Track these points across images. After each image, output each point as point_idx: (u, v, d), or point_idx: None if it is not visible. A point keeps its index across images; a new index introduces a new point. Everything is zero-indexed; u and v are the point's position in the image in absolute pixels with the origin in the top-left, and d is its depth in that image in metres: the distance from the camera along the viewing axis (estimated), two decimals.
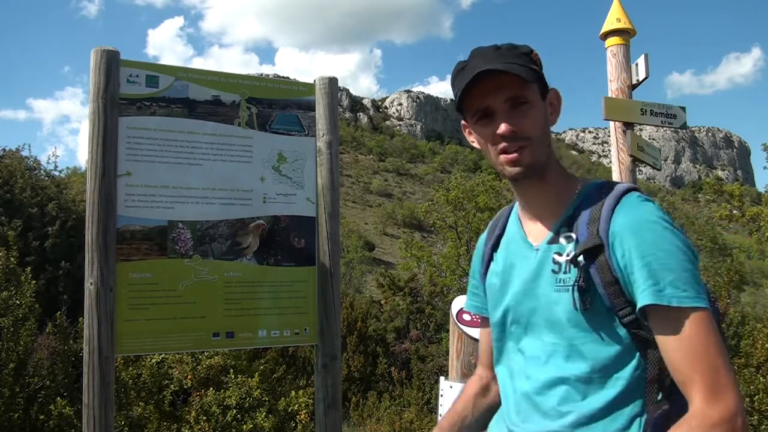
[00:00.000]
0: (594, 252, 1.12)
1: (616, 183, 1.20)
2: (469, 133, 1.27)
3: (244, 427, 4.16)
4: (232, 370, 4.63)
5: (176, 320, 2.27)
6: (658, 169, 4.36)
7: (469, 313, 2.58)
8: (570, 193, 1.23)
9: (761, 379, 3.78)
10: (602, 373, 1.12)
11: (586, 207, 1.17)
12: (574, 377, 1.14)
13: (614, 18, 3.93)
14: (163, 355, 4.44)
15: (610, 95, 3.93)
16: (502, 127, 1.15)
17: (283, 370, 5.68)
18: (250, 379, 4.57)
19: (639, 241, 1.08)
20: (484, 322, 1.44)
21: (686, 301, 1.03)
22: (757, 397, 3.73)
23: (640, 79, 3.88)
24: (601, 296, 1.11)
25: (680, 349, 1.03)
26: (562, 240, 1.18)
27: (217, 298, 2.33)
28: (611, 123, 3.92)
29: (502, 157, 1.18)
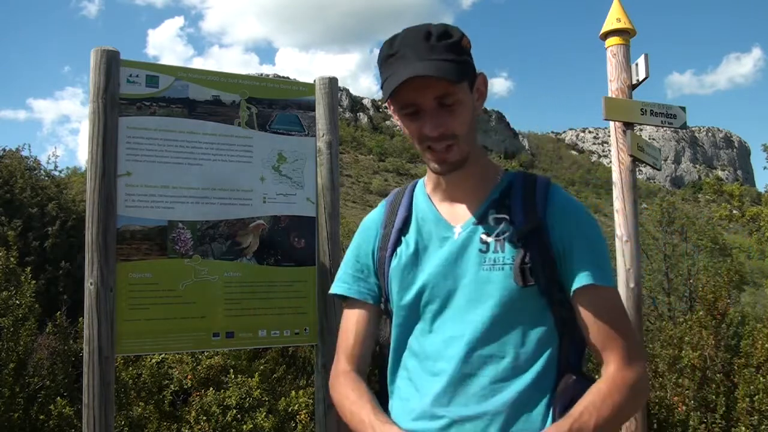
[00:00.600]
0: (533, 233, 1.17)
1: (534, 174, 1.28)
2: (395, 115, 1.23)
3: (244, 427, 4.16)
4: (232, 370, 4.62)
5: (176, 320, 2.27)
6: (658, 169, 4.36)
7: None
8: (492, 178, 1.27)
9: (761, 379, 3.78)
10: (529, 352, 1.16)
11: (516, 192, 1.23)
12: (503, 355, 1.15)
13: (614, 18, 3.93)
14: (163, 355, 4.44)
15: (610, 95, 3.92)
16: (429, 130, 1.14)
17: (283, 370, 5.67)
18: (250, 379, 4.56)
19: (578, 224, 1.20)
20: (356, 307, 1.32)
21: (609, 281, 1.18)
22: (757, 397, 3.72)
23: (640, 79, 3.87)
24: (537, 276, 1.16)
25: (605, 322, 1.15)
26: (490, 221, 1.21)
27: (217, 298, 2.33)
28: (611, 123, 3.91)
29: (429, 154, 1.18)
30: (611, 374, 1.14)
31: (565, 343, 1.19)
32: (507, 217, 1.20)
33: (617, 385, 1.12)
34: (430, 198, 1.30)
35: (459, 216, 1.24)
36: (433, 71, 1.08)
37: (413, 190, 1.34)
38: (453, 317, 1.19)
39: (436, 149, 1.16)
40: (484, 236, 1.20)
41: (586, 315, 1.16)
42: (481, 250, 1.19)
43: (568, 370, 1.18)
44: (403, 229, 1.29)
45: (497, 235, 1.19)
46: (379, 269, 1.32)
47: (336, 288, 1.36)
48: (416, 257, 1.25)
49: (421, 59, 1.09)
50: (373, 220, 1.38)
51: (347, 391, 1.25)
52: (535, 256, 1.16)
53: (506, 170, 1.30)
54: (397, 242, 1.29)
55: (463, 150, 1.17)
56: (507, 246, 1.17)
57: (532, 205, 1.20)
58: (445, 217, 1.26)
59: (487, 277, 1.17)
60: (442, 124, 1.14)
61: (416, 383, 1.22)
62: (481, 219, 1.22)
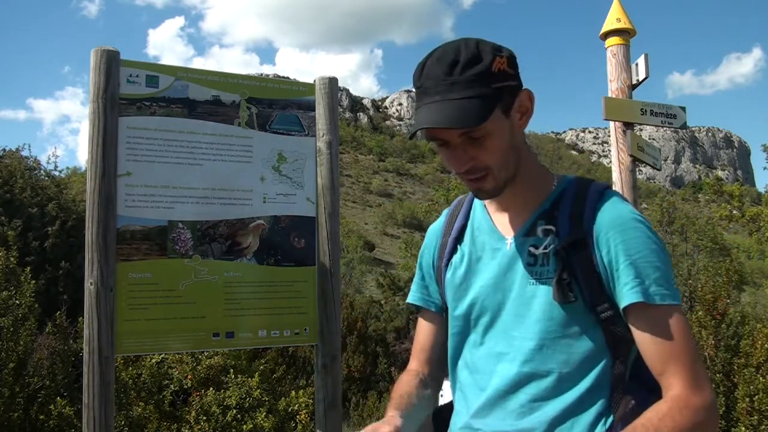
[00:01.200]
0: (577, 246, 1.11)
1: (591, 180, 1.21)
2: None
3: (244, 427, 4.16)
4: (232, 370, 4.63)
5: (176, 320, 2.27)
6: (658, 169, 4.36)
7: None
8: (546, 187, 1.21)
9: (761, 379, 3.78)
10: (574, 370, 1.11)
11: (566, 201, 1.16)
12: (545, 374, 1.12)
13: (614, 18, 3.93)
14: (163, 355, 4.44)
15: (610, 95, 3.93)
16: (457, 166, 1.12)
17: (283, 370, 5.68)
18: (250, 379, 4.57)
19: (625, 239, 1.09)
20: (425, 315, 1.37)
21: (668, 299, 1.07)
22: (757, 397, 3.73)
23: (640, 79, 3.88)
24: (581, 290, 1.10)
25: (663, 343, 1.06)
26: (539, 233, 1.16)
27: (217, 298, 2.33)
28: (611, 123, 3.92)
29: (466, 180, 1.15)
30: (674, 395, 1.04)
31: (620, 361, 1.12)
32: (554, 228, 1.15)
33: (679, 407, 1.02)
34: (486, 207, 1.27)
35: (511, 227, 1.21)
36: (446, 121, 1.04)
37: (473, 199, 1.32)
38: (500, 332, 1.18)
39: (470, 179, 1.14)
40: (532, 249, 1.16)
41: (639, 336, 1.08)
42: (529, 264, 1.16)
43: (631, 391, 1.11)
44: (459, 238, 1.29)
45: (545, 248, 1.15)
46: (437, 277, 1.33)
47: (409, 297, 1.41)
48: (470, 268, 1.24)
49: (442, 98, 1.05)
50: (434, 228, 1.38)
51: (397, 386, 1.32)
52: (577, 270, 1.10)
53: (564, 176, 1.23)
54: (453, 251, 1.29)
55: (499, 178, 1.13)
56: (552, 259, 1.13)
57: (579, 216, 1.13)
58: (498, 227, 1.23)
59: (533, 292, 1.14)
60: (470, 158, 1.10)
61: (466, 396, 1.24)
62: (530, 231, 1.18)
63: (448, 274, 1.28)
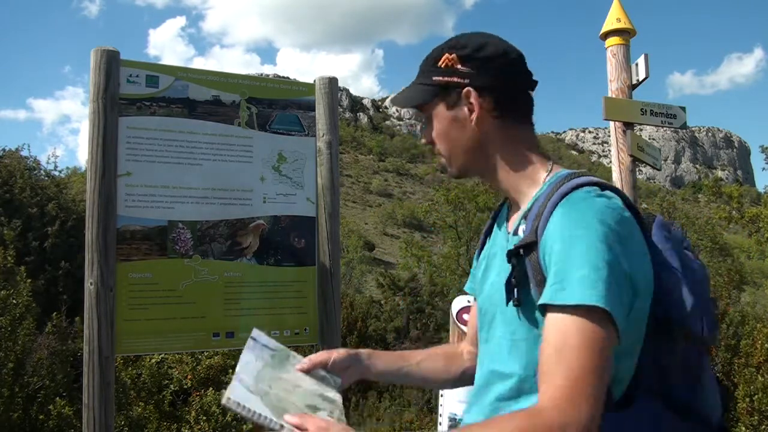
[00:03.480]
0: (529, 249, 1.08)
1: (571, 178, 1.12)
2: None
3: (244, 427, 4.16)
4: (231, 370, 4.63)
5: (176, 320, 2.27)
6: (658, 169, 4.36)
7: (468, 313, 2.58)
8: (536, 186, 1.19)
9: (761, 378, 3.78)
10: (534, 373, 1.05)
11: (537, 203, 1.13)
12: (510, 374, 1.12)
13: (614, 18, 3.93)
14: (163, 355, 4.44)
15: (610, 95, 3.93)
16: (422, 137, 1.28)
17: None
18: None
19: (561, 243, 1.01)
20: (476, 302, 1.45)
21: (570, 297, 0.95)
22: (756, 396, 3.73)
23: (640, 79, 3.88)
24: (533, 294, 1.06)
25: (548, 345, 0.96)
26: (520, 233, 1.17)
27: (217, 298, 2.33)
28: (611, 123, 3.92)
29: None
30: (535, 406, 0.94)
31: None
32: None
33: (531, 418, 0.92)
34: (508, 205, 1.31)
35: (511, 225, 1.25)
36: (395, 99, 1.28)
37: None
38: (492, 330, 1.21)
39: (435, 154, 1.27)
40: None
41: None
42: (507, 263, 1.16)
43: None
44: (488, 234, 1.35)
45: None
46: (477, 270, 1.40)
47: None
48: (487, 264, 1.28)
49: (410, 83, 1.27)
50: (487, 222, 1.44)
51: (434, 348, 1.48)
52: (522, 274, 1.07)
53: (557, 173, 1.19)
54: (482, 246, 1.36)
55: (452, 164, 1.25)
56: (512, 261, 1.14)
57: (539, 219, 1.09)
58: (508, 225, 1.26)
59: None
60: (427, 136, 1.27)
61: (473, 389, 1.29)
62: (516, 230, 1.20)
63: (475, 269, 1.37)
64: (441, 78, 1.20)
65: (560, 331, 0.95)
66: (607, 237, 0.98)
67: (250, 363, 1.23)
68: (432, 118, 1.23)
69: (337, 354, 1.31)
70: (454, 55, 1.18)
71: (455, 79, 1.18)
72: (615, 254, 0.97)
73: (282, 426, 1.03)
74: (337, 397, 1.23)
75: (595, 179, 1.12)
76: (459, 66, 1.17)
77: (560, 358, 0.94)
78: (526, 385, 1.10)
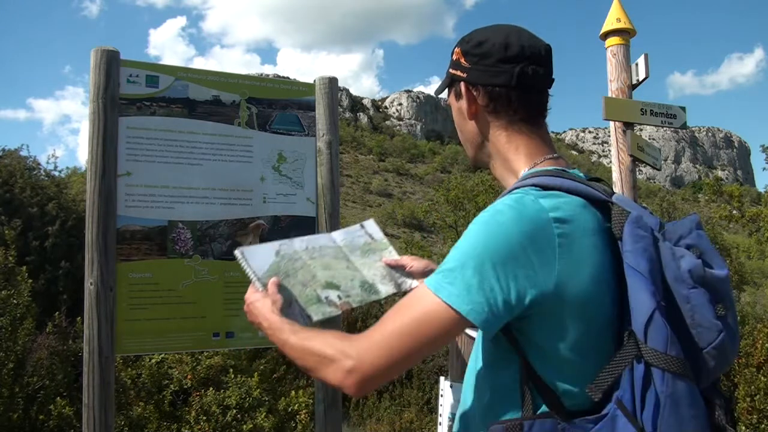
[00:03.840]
0: None
1: (536, 175, 1.09)
2: None
3: (244, 427, 4.16)
4: (231, 370, 4.63)
5: (176, 320, 2.27)
6: (658, 169, 4.36)
7: None
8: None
9: (761, 378, 3.78)
10: (483, 371, 1.12)
11: None
12: (472, 378, 1.17)
13: (614, 18, 3.93)
14: (163, 355, 4.44)
15: (610, 95, 3.92)
16: None
17: (283, 370, 5.67)
18: (250, 379, 4.57)
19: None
20: None
21: (432, 283, 0.99)
22: (757, 396, 3.73)
23: (640, 79, 3.88)
24: None
25: (396, 305, 1.03)
26: None
27: (217, 298, 2.33)
28: (611, 123, 3.92)
29: None
30: (348, 340, 1.02)
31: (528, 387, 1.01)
32: None
33: (332, 343, 1.02)
34: None
35: None
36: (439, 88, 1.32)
37: None
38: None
39: None
40: None
41: None
42: None
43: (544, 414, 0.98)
44: None
45: None
46: None
47: None
48: None
49: None
50: None
51: None
52: None
53: (528, 172, 1.15)
54: None
55: (467, 154, 1.29)
56: None
57: None
58: None
59: None
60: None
61: None
62: None
63: None
64: (451, 71, 1.24)
65: (409, 298, 1.03)
66: (492, 240, 0.97)
67: (320, 239, 1.47)
68: (450, 105, 1.28)
69: (417, 263, 1.53)
70: (459, 49, 1.22)
71: (458, 73, 1.22)
72: (490, 256, 0.96)
73: (264, 285, 1.29)
74: (390, 291, 1.49)
75: (540, 181, 1.06)
76: (462, 60, 1.20)
77: (389, 316, 1.01)
78: (475, 390, 1.14)
